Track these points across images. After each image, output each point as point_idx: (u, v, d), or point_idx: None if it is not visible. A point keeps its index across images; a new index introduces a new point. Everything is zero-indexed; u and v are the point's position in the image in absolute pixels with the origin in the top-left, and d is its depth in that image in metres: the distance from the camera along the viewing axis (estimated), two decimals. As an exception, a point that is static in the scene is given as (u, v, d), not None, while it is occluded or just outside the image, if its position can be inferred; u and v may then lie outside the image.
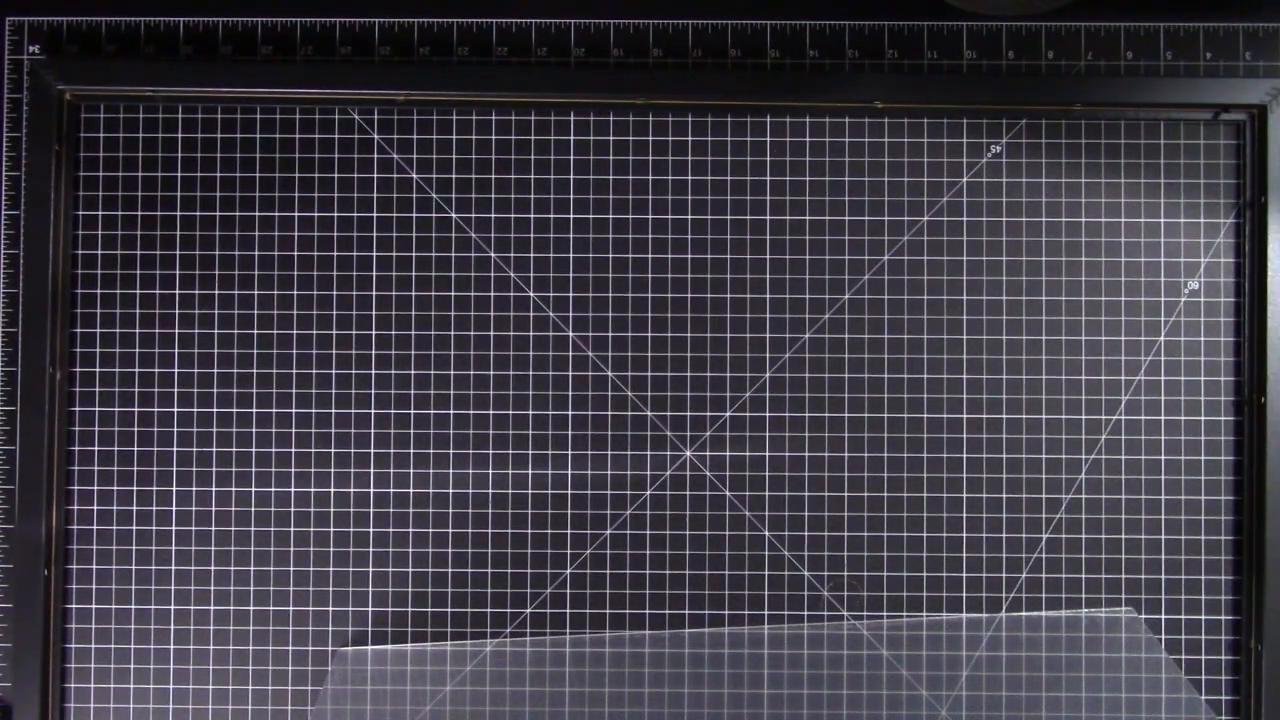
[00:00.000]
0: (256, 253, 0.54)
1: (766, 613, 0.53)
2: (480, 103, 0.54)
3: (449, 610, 0.54)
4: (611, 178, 0.54)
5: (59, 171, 0.54)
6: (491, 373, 0.54)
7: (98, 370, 0.54)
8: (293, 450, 0.54)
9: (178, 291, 0.54)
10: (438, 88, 0.53)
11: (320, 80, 0.53)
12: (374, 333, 0.54)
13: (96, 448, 0.54)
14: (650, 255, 0.54)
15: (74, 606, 0.54)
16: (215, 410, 0.54)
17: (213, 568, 0.54)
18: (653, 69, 0.54)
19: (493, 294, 0.54)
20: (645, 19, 0.54)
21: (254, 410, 0.54)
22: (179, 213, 0.54)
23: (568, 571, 0.54)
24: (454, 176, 0.54)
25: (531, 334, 0.54)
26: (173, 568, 0.54)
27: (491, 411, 0.54)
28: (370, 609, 0.54)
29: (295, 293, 0.54)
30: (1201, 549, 0.53)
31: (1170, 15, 0.54)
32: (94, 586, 0.54)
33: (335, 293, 0.54)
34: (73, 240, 0.54)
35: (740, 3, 0.54)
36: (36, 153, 0.53)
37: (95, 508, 0.54)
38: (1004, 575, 0.53)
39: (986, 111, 0.53)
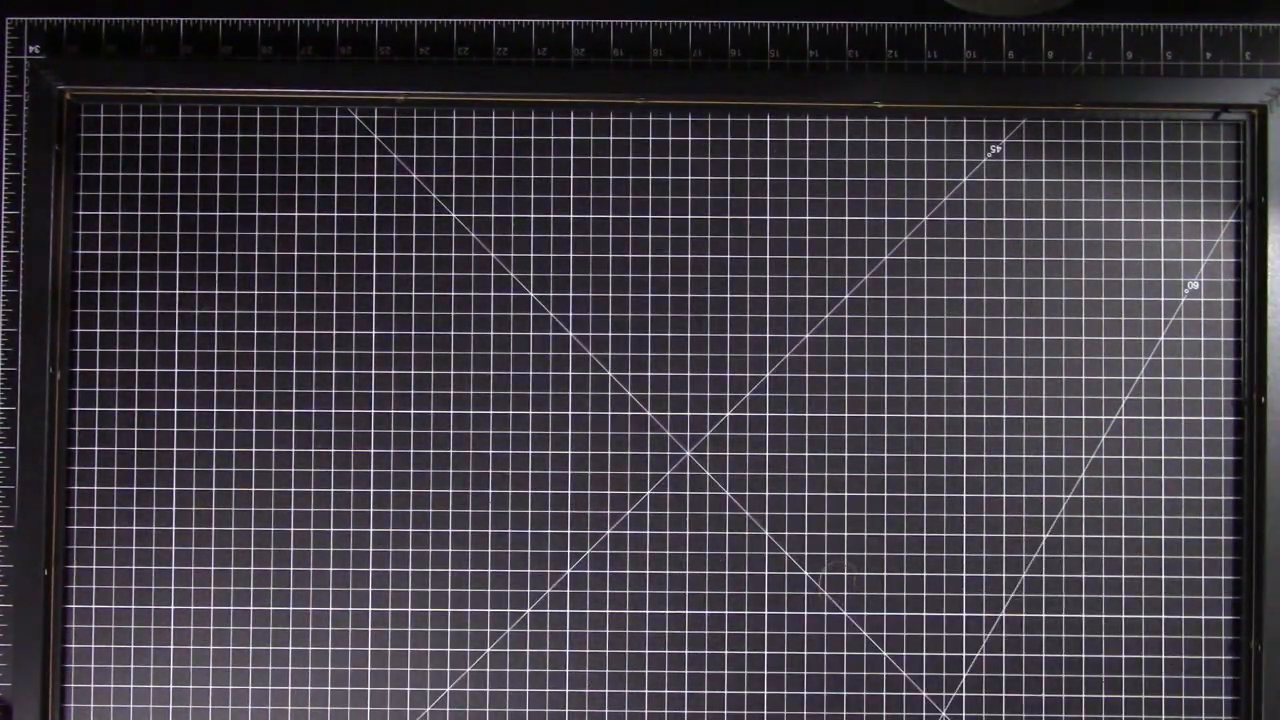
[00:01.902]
0: (256, 253, 0.54)
1: (767, 613, 0.53)
2: (480, 102, 0.54)
3: (449, 610, 0.53)
4: (611, 178, 0.54)
5: (59, 171, 0.54)
6: (491, 373, 0.54)
7: (98, 370, 0.54)
8: (292, 450, 0.54)
9: (178, 291, 0.54)
10: (438, 87, 0.53)
11: (320, 80, 0.53)
12: (374, 333, 0.54)
13: (96, 448, 0.54)
14: (650, 255, 0.54)
15: (74, 606, 0.54)
16: (215, 410, 0.54)
17: (212, 568, 0.54)
18: (653, 69, 0.54)
19: (493, 294, 0.54)
20: (645, 19, 0.54)
21: (254, 410, 0.54)
22: (179, 213, 0.54)
23: (568, 571, 0.54)
24: (454, 176, 0.54)
25: (531, 334, 0.54)
26: (173, 568, 0.54)
27: (492, 411, 0.54)
28: (370, 609, 0.54)
29: (295, 293, 0.54)
30: (1201, 549, 0.53)
31: (1170, 15, 0.54)
32: (94, 586, 0.54)
33: (335, 293, 0.54)
34: (73, 240, 0.54)
35: (740, 3, 0.54)
36: (36, 153, 0.53)
37: (95, 508, 0.54)
38: (1004, 575, 0.53)
39: (986, 111, 0.53)
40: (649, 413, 0.54)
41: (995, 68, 0.54)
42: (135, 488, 0.54)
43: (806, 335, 0.54)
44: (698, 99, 0.53)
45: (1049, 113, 0.53)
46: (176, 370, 0.54)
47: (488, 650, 0.53)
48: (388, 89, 0.53)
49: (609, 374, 0.54)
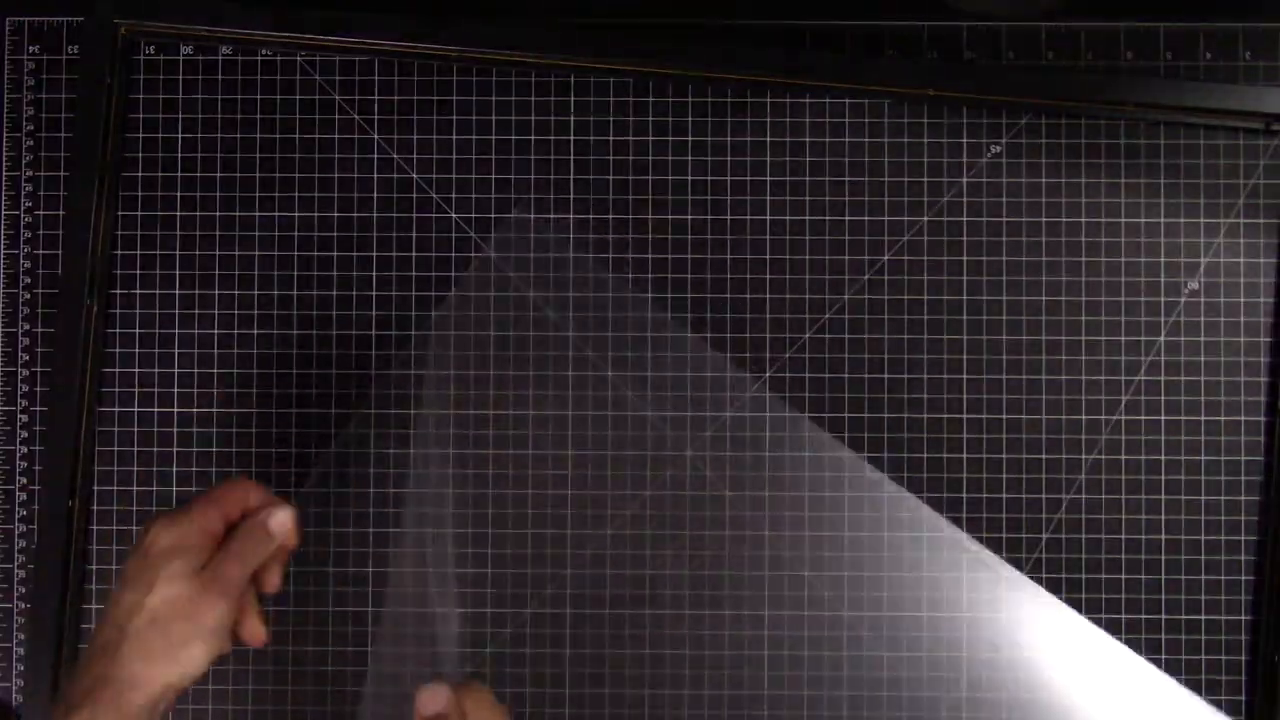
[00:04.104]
0: (256, 253, 0.54)
1: (767, 613, 0.53)
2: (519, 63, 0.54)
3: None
4: (611, 178, 0.54)
5: (109, 107, 0.53)
6: (492, 372, 0.54)
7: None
8: (293, 450, 0.54)
9: (178, 292, 0.54)
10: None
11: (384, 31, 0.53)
12: (374, 333, 0.54)
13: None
14: (650, 255, 0.54)
15: (92, 607, 0.54)
16: (215, 410, 0.54)
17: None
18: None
19: (492, 294, 0.54)
20: (646, 19, 0.54)
21: (254, 410, 0.54)
22: (179, 213, 0.55)
23: (568, 571, 0.54)
24: (454, 176, 0.54)
25: (531, 334, 0.54)
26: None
27: (492, 411, 0.54)
28: (370, 609, 0.54)
29: (295, 293, 0.54)
30: (1202, 549, 0.53)
31: (1170, 15, 0.54)
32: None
33: (335, 293, 0.54)
34: (116, 200, 0.54)
35: (741, 5, 0.54)
36: (88, 86, 0.53)
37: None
38: (1004, 574, 0.53)
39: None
40: (649, 413, 0.54)
41: (996, 68, 0.54)
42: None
43: (806, 335, 0.54)
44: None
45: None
46: (176, 370, 0.54)
47: (488, 650, 0.53)
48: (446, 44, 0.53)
49: (609, 374, 0.54)
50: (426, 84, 0.54)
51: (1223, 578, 0.53)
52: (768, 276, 0.54)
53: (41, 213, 0.54)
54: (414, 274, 0.54)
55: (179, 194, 0.54)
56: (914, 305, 0.54)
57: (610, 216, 0.54)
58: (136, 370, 0.54)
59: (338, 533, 0.54)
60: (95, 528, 0.54)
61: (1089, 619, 0.53)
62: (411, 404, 0.54)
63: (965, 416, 0.53)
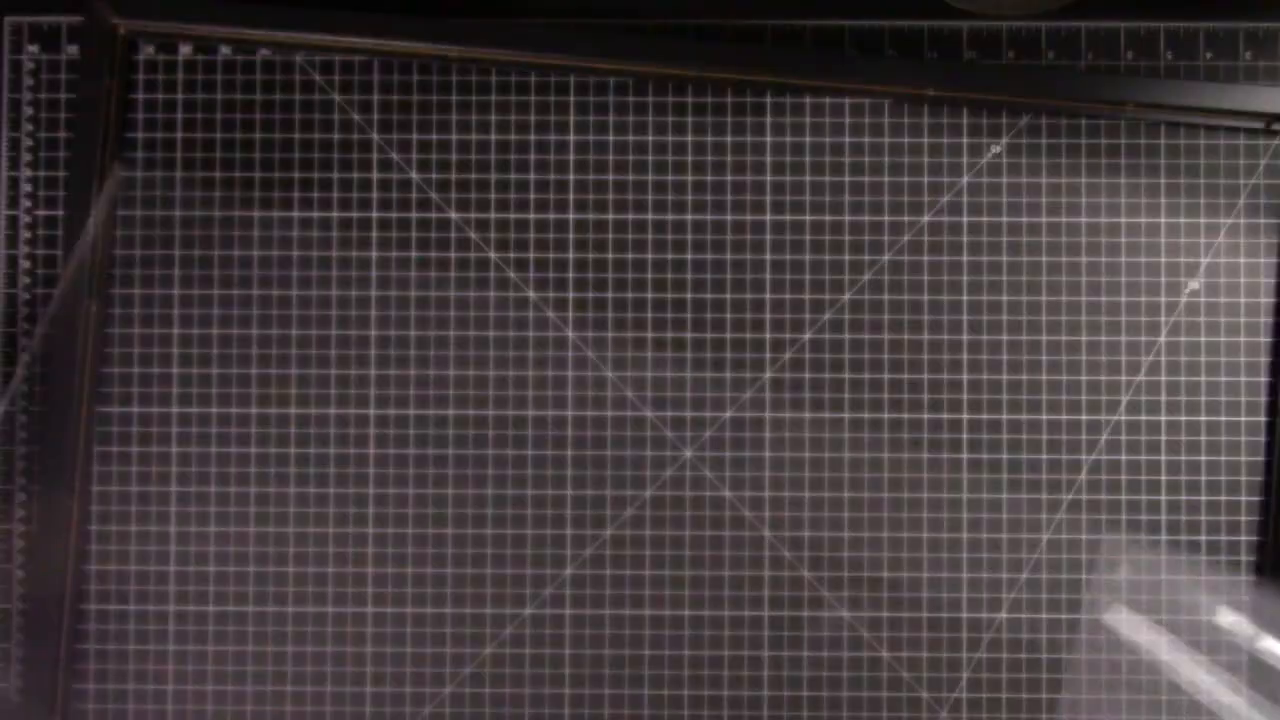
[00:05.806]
0: (256, 253, 0.54)
1: (767, 613, 0.53)
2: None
3: (449, 610, 0.53)
4: (611, 178, 0.54)
5: (109, 109, 0.53)
6: (491, 373, 0.54)
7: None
8: (292, 450, 0.54)
9: (177, 291, 0.54)
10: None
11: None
12: (373, 333, 0.54)
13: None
14: (650, 255, 0.54)
15: (92, 607, 0.54)
16: (215, 410, 0.54)
17: (211, 568, 0.54)
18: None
19: (492, 294, 0.54)
20: (645, 20, 0.54)
21: (253, 410, 0.54)
22: (179, 213, 0.55)
23: (568, 572, 0.54)
24: (454, 176, 0.54)
25: (531, 334, 0.54)
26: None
27: (491, 412, 0.54)
28: (370, 609, 0.54)
29: (295, 293, 0.54)
30: (1202, 549, 0.53)
31: (1170, 15, 0.54)
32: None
33: (335, 293, 0.54)
34: (117, 201, 0.54)
35: (739, 3, 0.54)
36: (87, 87, 0.53)
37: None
38: (1004, 575, 0.53)
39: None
40: (649, 413, 0.54)
41: (996, 68, 0.54)
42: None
43: (806, 335, 0.54)
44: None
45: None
46: (176, 370, 0.54)
47: (487, 650, 0.53)
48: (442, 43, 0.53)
49: (609, 374, 0.54)
50: (426, 84, 0.54)
51: (1223, 578, 0.53)
52: (768, 276, 0.54)
53: (41, 213, 0.54)
54: (414, 274, 0.54)
55: (179, 194, 0.54)
56: (914, 305, 0.54)
57: (610, 216, 0.54)
58: (136, 370, 0.54)
59: (337, 533, 0.54)
60: (95, 528, 0.54)
61: (1088, 618, 0.53)
62: (411, 404, 0.54)
63: (965, 417, 0.53)
